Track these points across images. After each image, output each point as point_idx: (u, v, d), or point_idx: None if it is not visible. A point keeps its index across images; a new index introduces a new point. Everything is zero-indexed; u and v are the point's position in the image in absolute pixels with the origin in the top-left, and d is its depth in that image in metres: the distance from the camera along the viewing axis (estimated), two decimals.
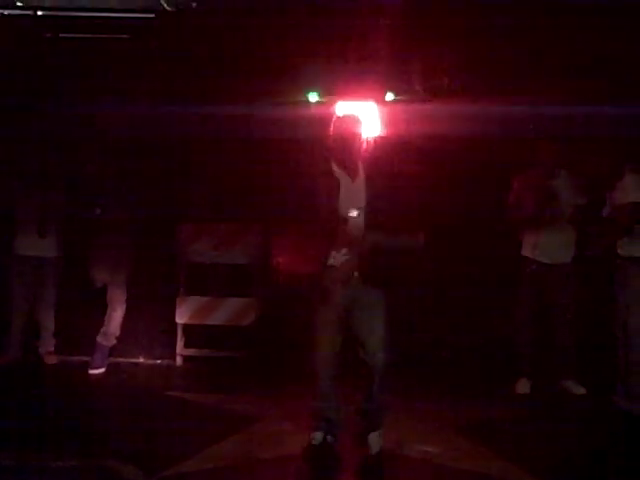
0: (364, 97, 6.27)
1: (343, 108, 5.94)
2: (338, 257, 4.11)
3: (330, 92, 6.38)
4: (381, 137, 5.80)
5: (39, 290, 6.35)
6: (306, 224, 4.25)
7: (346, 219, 4.08)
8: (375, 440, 4.21)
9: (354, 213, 4.10)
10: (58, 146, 6.44)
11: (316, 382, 4.20)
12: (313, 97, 6.56)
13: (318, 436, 4.24)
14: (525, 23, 6.08)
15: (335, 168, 4.20)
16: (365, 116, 4.50)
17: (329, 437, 4.26)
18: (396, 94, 6.55)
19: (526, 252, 5.99)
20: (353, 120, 4.24)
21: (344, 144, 4.16)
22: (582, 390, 5.78)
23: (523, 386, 5.88)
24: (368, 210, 4.12)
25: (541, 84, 6.15)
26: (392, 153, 4.62)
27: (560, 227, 5.92)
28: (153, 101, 6.28)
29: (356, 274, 4.13)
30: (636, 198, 5.41)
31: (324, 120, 4.94)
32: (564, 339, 5.89)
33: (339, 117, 4.30)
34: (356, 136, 4.18)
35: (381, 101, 6.42)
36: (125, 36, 6.62)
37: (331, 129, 4.21)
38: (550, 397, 5.74)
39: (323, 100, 6.45)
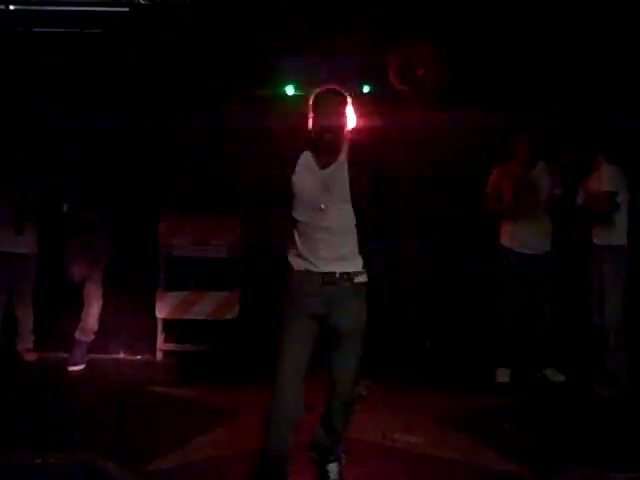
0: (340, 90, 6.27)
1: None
2: (310, 258, 3.52)
3: (307, 84, 6.37)
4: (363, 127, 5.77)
5: (16, 287, 6.29)
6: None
7: (318, 213, 3.50)
8: (334, 470, 3.79)
9: (323, 206, 3.49)
10: (33, 140, 6.37)
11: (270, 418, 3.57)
12: (290, 90, 6.58)
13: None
14: (502, 15, 6.12)
15: (308, 154, 3.57)
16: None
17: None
18: (372, 87, 6.56)
19: (504, 242, 6.04)
20: (335, 96, 3.57)
21: (323, 123, 3.50)
22: (562, 377, 5.85)
23: (503, 375, 5.93)
24: (354, 203, 3.53)
25: (518, 76, 6.21)
26: (377, 142, 4.33)
27: (537, 217, 5.98)
28: (130, 95, 6.25)
29: (337, 279, 3.52)
30: (611, 187, 5.49)
31: (301, 112, 4.95)
32: (543, 328, 5.95)
33: (319, 92, 3.59)
34: (339, 114, 3.52)
35: (357, 94, 6.42)
36: (98, 30, 6.57)
37: (310, 106, 3.57)
38: (530, 385, 5.80)
39: (300, 92, 6.45)
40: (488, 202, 6.02)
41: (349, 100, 3.60)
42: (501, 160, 6.08)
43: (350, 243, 3.57)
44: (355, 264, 3.57)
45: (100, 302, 6.31)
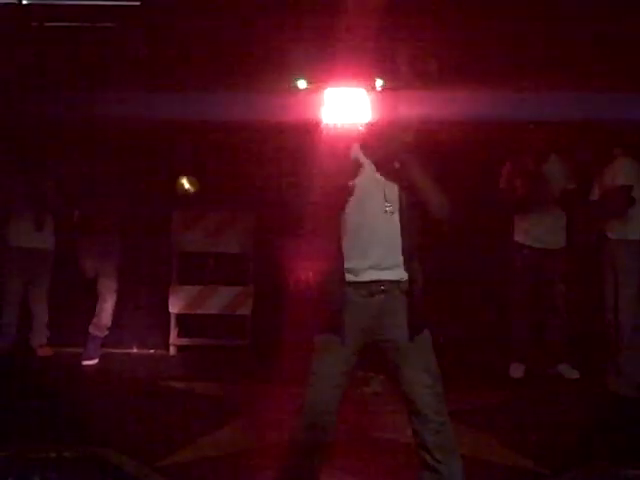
0: (354, 84, 6.25)
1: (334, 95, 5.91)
2: (360, 270, 3.09)
3: (319, 79, 6.36)
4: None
5: (32, 282, 6.33)
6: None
7: (375, 217, 3.10)
8: None
9: (389, 208, 3.11)
10: (53, 137, 6.39)
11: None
12: (302, 84, 6.56)
13: None
14: (515, 8, 6.08)
15: (358, 152, 3.23)
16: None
17: None
18: (386, 81, 6.54)
19: (518, 237, 6.01)
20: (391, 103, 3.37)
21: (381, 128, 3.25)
22: (576, 374, 5.82)
23: (517, 370, 5.91)
24: (406, 208, 3.14)
25: (531, 68, 6.16)
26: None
27: (550, 212, 5.94)
28: (141, 89, 6.24)
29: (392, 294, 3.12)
30: (627, 181, 5.45)
31: (313, 106, 4.93)
32: (557, 323, 5.92)
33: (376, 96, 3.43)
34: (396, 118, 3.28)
35: (371, 88, 6.39)
36: (110, 24, 6.57)
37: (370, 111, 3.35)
38: (544, 381, 5.78)
39: (312, 87, 6.43)
40: (501, 196, 5.99)
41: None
42: (514, 154, 6.05)
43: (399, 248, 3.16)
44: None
45: (114, 297, 6.33)
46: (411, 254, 3.16)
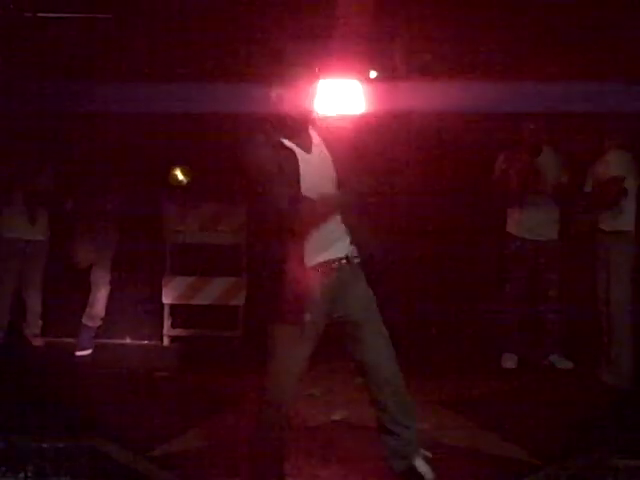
0: (347, 75, 6.25)
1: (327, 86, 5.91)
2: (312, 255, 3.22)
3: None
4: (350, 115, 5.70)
5: (26, 273, 6.31)
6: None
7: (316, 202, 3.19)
8: (422, 464, 3.43)
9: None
10: (46, 128, 6.37)
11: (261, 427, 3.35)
12: None
13: None
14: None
15: (286, 141, 3.27)
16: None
17: None
18: (379, 72, 6.54)
19: (511, 229, 6.03)
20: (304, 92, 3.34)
21: (296, 114, 3.27)
22: (568, 364, 5.85)
23: (509, 361, 5.93)
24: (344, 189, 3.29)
25: (525, 60, 6.16)
26: (358, 128, 4.16)
27: (544, 204, 5.95)
28: (136, 80, 6.23)
29: (343, 270, 3.30)
30: (619, 172, 5.46)
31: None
32: (550, 314, 5.94)
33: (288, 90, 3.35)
34: (308, 104, 3.30)
35: (365, 79, 6.40)
36: (108, 16, 6.55)
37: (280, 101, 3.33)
38: (536, 372, 5.80)
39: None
40: (495, 189, 6.00)
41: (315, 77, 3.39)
42: (507, 146, 6.05)
43: (341, 225, 3.34)
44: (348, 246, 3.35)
45: (108, 288, 6.33)
46: (352, 227, 3.33)
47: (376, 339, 3.36)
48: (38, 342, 6.37)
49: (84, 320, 6.28)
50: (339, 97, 5.83)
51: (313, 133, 3.37)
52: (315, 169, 3.27)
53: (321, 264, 3.27)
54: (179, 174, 6.70)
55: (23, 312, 6.37)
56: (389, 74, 6.51)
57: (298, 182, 3.20)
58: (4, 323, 6.24)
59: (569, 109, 5.80)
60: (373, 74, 6.53)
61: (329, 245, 3.29)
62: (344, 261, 3.32)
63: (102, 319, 6.33)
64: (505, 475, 3.80)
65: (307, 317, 3.19)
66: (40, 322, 6.40)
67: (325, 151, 3.35)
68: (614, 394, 5.15)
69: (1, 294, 6.24)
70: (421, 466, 3.43)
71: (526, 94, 6.00)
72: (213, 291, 6.65)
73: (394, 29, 6.43)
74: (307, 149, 3.31)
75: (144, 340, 6.73)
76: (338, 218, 3.31)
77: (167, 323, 6.71)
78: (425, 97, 6.08)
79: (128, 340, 6.72)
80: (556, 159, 5.96)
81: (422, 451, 3.48)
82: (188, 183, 6.74)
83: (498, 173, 6.00)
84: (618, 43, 5.84)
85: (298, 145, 3.28)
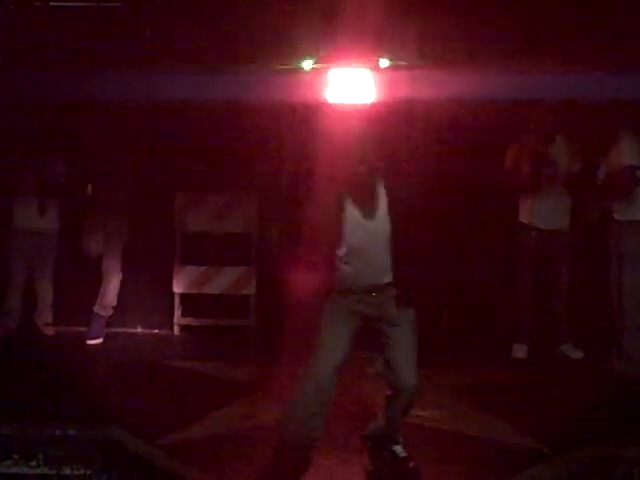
0: (358, 63, 6.22)
1: (338, 75, 5.89)
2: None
3: (324, 59, 6.32)
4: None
5: (37, 262, 6.33)
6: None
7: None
8: (399, 449, 3.85)
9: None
10: (57, 117, 6.38)
11: (299, 403, 3.65)
12: (307, 64, 6.52)
13: None
14: None
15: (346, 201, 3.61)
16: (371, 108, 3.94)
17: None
18: (390, 60, 6.50)
19: (523, 218, 5.99)
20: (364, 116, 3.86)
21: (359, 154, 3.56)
22: (579, 354, 5.83)
23: (520, 351, 5.91)
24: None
25: (538, 48, 6.11)
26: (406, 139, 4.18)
27: (556, 193, 5.92)
28: (147, 69, 6.22)
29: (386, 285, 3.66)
30: (632, 161, 5.41)
31: (319, 87, 4.91)
32: (561, 303, 5.92)
33: (337, 116, 3.93)
34: (372, 138, 3.62)
35: (375, 68, 6.37)
36: (117, 4, 6.53)
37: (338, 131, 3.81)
38: (547, 361, 5.79)
39: (317, 67, 6.40)
40: (507, 178, 5.97)
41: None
42: (520, 135, 6.02)
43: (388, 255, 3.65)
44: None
45: (119, 277, 6.34)
46: (398, 256, 3.63)
47: (401, 344, 3.66)
48: (49, 331, 6.39)
49: (96, 309, 6.30)
50: (350, 86, 5.82)
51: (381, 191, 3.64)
52: (370, 235, 3.63)
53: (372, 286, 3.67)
54: None
55: (34, 301, 6.39)
56: (401, 62, 6.47)
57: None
58: (16, 313, 6.27)
59: (583, 98, 5.77)
60: (384, 63, 6.48)
61: (371, 272, 3.66)
62: (387, 286, 3.65)
63: (113, 308, 6.36)
64: (516, 464, 3.80)
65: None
66: (51, 311, 6.42)
67: (385, 209, 3.63)
68: (626, 383, 5.12)
69: (13, 283, 6.27)
70: (397, 449, 3.83)
71: (540, 83, 5.98)
72: (224, 280, 6.65)
73: (406, 17, 6.38)
74: (369, 216, 3.62)
75: (155, 329, 6.74)
76: (385, 246, 3.62)
77: (178, 312, 6.71)
78: (437, 85, 6.06)
79: (139, 329, 6.73)
80: (569, 148, 5.92)
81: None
82: (199, 172, 6.73)
83: (510, 162, 5.96)
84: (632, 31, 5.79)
85: (361, 209, 3.61)
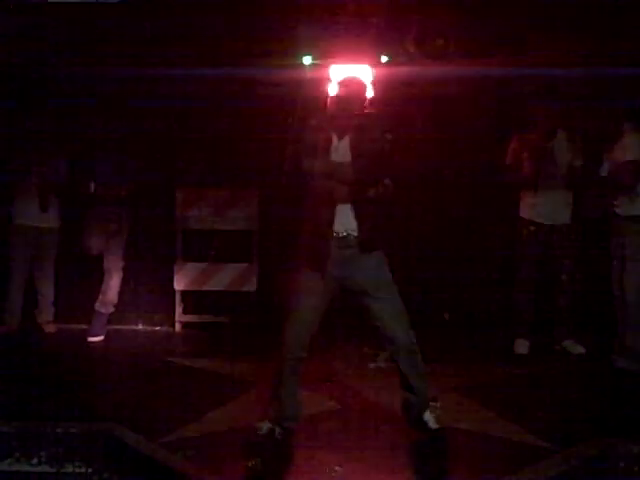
0: (358, 60, 6.21)
1: (338, 71, 5.88)
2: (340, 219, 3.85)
3: (324, 55, 6.31)
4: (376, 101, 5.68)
5: (38, 260, 6.34)
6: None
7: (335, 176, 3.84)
8: (430, 418, 3.97)
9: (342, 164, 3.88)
10: (58, 115, 6.38)
11: (280, 362, 3.93)
12: (307, 60, 6.50)
13: (264, 427, 3.96)
14: None
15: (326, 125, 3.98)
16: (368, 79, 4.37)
17: (278, 430, 3.94)
18: (390, 57, 6.48)
19: (524, 214, 5.98)
20: (358, 83, 4.06)
21: (344, 104, 3.94)
22: (581, 349, 5.82)
23: (522, 346, 5.90)
24: (354, 167, 3.87)
25: (539, 44, 6.10)
26: (386, 117, 4.36)
27: (557, 188, 5.90)
28: (148, 66, 6.21)
29: (354, 236, 3.86)
30: (635, 157, 5.39)
31: (319, 83, 4.91)
32: (563, 299, 5.91)
33: (344, 79, 4.07)
34: (358, 99, 3.98)
35: (375, 64, 6.35)
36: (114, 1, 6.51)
37: (335, 89, 4.04)
38: (549, 357, 5.78)
39: (317, 63, 6.38)
40: (508, 173, 5.96)
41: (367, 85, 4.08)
42: (520, 130, 6.01)
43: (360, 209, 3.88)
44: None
45: (120, 274, 6.34)
46: (360, 208, 3.85)
47: (386, 306, 3.87)
48: (51, 329, 6.40)
49: (97, 307, 6.30)
50: None
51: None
52: (339, 154, 3.90)
53: (342, 237, 3.85)
54: None
55: (35, 299, 6.39)
56: (401, 59, 6.45)
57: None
58: (18, 310, 6.27)
59: (585, 93, 5.75)
60: (384, 59, 6.47)
61: (339, 220, 3.85)
62: (349, 236, 3.85)
63: (115, 305, 6.35)
64: (518, 460, 3.79)
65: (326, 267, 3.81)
66: (53, 309, 6.42)
67: (347, 142, 3.93)
68: (628, 379, 5.12)
69: (14, 281, 6.28)
70: (429, 420, 3.95)
71: (539, 77, 5.97)
72: (225, 277, 6.65)
73: (406, 13, 6.37)
74: (340, 136, 3.93)
75: (156, 326, 6.75)
76: (349, 205, 3.87)
77: (179, 309, 6.72)
78: (436, 81, 6.06)
79: (140, 326, 6.75)
80: (570, 143, 5.90)
81: (431, 404, 4.01)
82: (200, 169, 6.72)
83: (511, 157, 5.95)
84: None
85: (335, 130, 3.93)
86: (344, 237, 3.85)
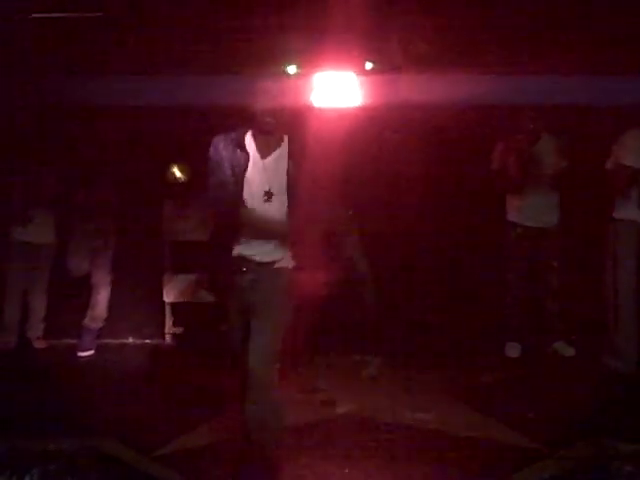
0: (343, 67, 6.22)
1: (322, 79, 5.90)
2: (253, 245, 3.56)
3: (308, 64, 6.32)
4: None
5: (32, 276, 6.29)
6: None
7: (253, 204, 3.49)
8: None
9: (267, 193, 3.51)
10: (48, 130, 6.36)
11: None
12: (292, 69, 6.51)
13: None
14: None
15: (248, 141, 3.57)
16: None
17: None
18: (375, 64, 6.50)
19: (511, 217, 6.01)
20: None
21: (267, 113, 3.53)
22: (572, 351, 5.84)
23: (513, 349, 5.92)
24: (290, 193, 3.52)
25: (526, 50, 6.12)
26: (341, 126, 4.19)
27: (543, 191, 5.94)
28: (131, 75, 6.20)
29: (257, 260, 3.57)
30: (632, 163, 5.35)
31: (304, 91, 4.92)
32: (552, 302, 5.93)
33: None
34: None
35: (360, 71, 6.37)
36: (99, 14, 6.51)
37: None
38: (540, 359, 5.80)
39: (302, 72, 6.39)
40: (494, 178, 5.99)
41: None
42: (506, 135, 6.04)
43: (282, 233, 3.56)
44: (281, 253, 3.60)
45: (108, 289, 6.31)
46: (286, 236, 3.54)
47: (259, 335, 3.67)
48: (41, 344, 6.35)
49: (86, 322, 6.26)
50: (335, 90, 5.82)
51: (284, 137, 3.58)
52: (267, 173, 3.51)
53: (241, 257, 3.58)
54: (177, 171, 6.67)
55: (27, 314, 6.36)
56: (385, 66, 6.47)
57: (242, 184, 3.48)
58: (15, 326, 6.23)
59: (572, 101, 5.75)
60: (369, 66, 6.49)
61: (253, 245, 3.55)
62: (256, 262, 3.56)
63: (104, 320, 6.33)
64: (510, 463, 3.80)
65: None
66: (43, 324, 6.38)
67: (285, 156, 3.54)
68: (619, 380, 5.13)
69: (11, 297, 6.23)
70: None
71: (526, 87, 5.98)
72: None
73: (390, 20, 6.39)
74: (265, 153, 3.54)
75: (146, 339, 6.71)
76: (275, 225, 3.54)
77: (169, 322, 6.69)
78: (422, 89, 6.06)
79: (130, 339, 6.71)
80: (555, 145, 5.94)
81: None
82: (187, 180, 6.71)
83: (497, 162, 5.98)
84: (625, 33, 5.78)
85: (258, 147, 3.54)
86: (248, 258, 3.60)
